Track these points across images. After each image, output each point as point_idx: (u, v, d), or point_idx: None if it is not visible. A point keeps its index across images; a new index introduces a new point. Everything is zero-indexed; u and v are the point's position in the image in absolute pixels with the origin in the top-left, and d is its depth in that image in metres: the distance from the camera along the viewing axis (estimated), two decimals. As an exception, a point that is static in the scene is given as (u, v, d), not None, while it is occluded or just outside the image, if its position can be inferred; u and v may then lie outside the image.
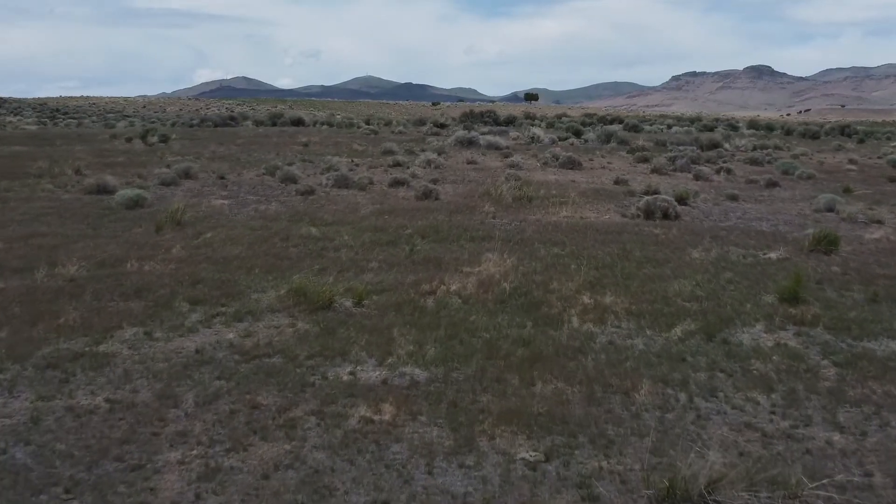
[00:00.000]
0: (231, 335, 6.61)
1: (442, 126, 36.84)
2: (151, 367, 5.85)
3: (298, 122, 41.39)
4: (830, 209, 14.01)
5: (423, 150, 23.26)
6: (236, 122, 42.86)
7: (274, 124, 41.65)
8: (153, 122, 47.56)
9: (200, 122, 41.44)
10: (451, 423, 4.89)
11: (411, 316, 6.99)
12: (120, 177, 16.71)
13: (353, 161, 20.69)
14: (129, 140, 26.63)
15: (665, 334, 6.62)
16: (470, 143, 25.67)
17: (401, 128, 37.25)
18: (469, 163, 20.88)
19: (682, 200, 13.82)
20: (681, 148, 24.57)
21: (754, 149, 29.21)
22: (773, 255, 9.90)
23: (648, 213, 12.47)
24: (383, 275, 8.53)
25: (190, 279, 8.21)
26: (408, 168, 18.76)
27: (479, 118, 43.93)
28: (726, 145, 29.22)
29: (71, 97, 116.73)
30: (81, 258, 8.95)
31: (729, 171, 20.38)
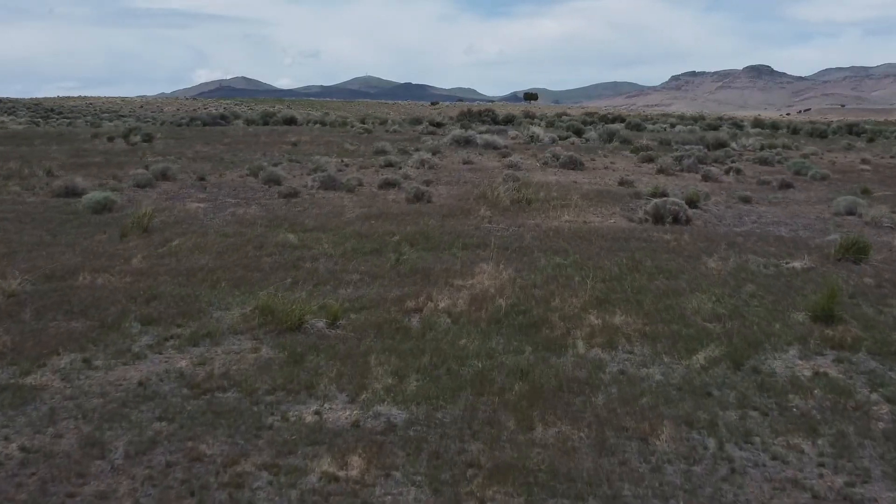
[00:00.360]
0: (183, 363, 5.78)
1: (438, 125, 36.01)
2: (83, 405, 5.01)
3: (291, 121, 40.54)
4: (851, 212, 13.19)
5: (417, 150, 22.41)
6: (227, 122, 42.01)
7: (266, 123, 40.80)
8: (146, 122, 46.71)
9: (190, 122, 40.58)
10: (431, 481, 4.05)
11: (392, 340, 6.14)
12: (94, 178, 15.87)
13: (342, 161, 19.85)
14: (111, 139, 25.78)
15: (685, 361, 5.78)
16: (467, 143, 24.83)
17: (396, 127, 36.43)
18: (465, 163, 20.04)
19: (692, 203, 12.99)
20: (686, 147, 23.74)
21: (762, 148, 28.39)
22: (796, 265, 9.07)
23: (657, 218, 11.63)
24: (364, 289, 7.68)
25: (146, 295, 7.36)
26: (400, 168, 17.92)
27: (476, 117, 43.13)
28: (733, 144, 28.40)
29: (69, 97, 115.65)
30: (29, 270, 8.10)
31: (738, 171, 19.55)
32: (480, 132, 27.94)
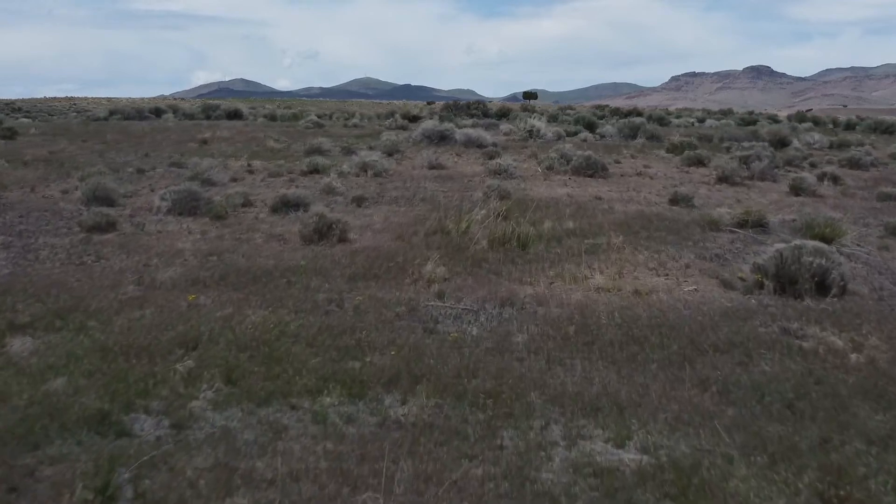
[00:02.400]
0: None
1: (413, 119, 30.39)
2: None
3: (235, 115, 35.01)
4: None
5: (370, 148, 16.85)
6: (158, 116, 36.46)
7: (208, 117, 35.36)
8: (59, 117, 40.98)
9: (109, 116, 35.07)
10: None
11: None
12: None
13: (248, 165, 14.21)
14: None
15: None
16: (441, 139, 19.22)
17: (356, 120, 30.87)
18: (432, 167, 14.41)
19: (826, 243, 7.39)
20: (745, 145, 18.19)
21: (831, 146, 23.03)
22: None
23: (785, 282, 6.05)
24: None
25: None
26: (327, 176, 12.33)
27: (464, 109, 37.57)
28: (795, 141, 22.88)
29: (55, 98, 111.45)
30: None
31: (836, 178, 14.02)
32: (462, 126, 22.32)
